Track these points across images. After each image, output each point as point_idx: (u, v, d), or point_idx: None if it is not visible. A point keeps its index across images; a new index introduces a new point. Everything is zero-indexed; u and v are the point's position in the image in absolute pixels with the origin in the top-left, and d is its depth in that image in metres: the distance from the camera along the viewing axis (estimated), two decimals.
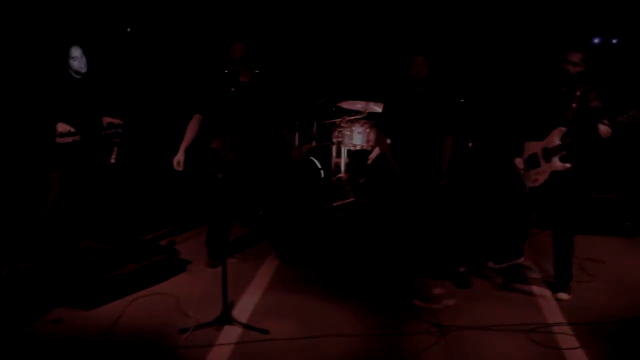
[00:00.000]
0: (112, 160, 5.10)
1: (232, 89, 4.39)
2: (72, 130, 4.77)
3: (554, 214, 4.51)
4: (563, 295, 4.45)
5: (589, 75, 4.25)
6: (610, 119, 3.93)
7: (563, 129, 4.25)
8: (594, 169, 6.04)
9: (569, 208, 4.43)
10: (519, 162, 4.60)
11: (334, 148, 6.93)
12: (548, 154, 4.33)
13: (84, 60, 4.86)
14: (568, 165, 4.24)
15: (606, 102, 4.15)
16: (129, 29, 6.97)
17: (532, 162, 4.47)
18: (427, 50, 4.71)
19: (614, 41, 6.76)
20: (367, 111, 6.71)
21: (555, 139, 4.28)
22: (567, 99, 4.27)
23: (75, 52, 4.83)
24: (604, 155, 6.02)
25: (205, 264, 5.00)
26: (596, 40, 6.69)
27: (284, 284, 4.73)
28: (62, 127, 4.74)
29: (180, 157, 4.74)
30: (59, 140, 4.73)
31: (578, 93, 4.22)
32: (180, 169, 4.74)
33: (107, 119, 5.09)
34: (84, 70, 4.88)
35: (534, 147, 4.47)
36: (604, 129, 3.94)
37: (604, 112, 4.02)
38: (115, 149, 5.11)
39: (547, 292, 4.54)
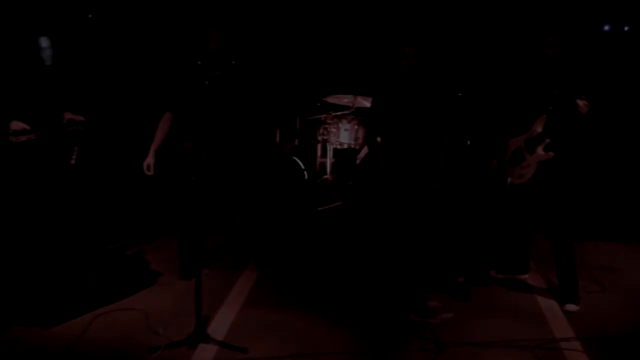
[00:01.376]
0: (73, 161, 5.02)
1: (206, 82, 4.35)
2: (27, 128, 4.70)
3: (549, 218, 4.54)
4: (571, 307, 4.44)
5: (564, 58, 4.40)
6: (587, 94, 4.10)
7: (544, 116, 4.33)
8: (594, 168, 6.09)
9: (563, 211, 4.47)
10: (493, 164, 4.74)
11: (319, 147, 6.89)
12: (531, 144, 4.40)
13: (50, 52, 4.84)
14: (551, 153, 4.29)
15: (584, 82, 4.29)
16: (90, 16, 6.89)
17: (517, 157, 4.53)
18: (419, 39, 4.70)
19: (626, 28, 6.79)
20: (355, 106, 6.67)
21: (537, 128, 4.36)
22: (548, 86, 4.36)
23: (43, 43, 4.80)
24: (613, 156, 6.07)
25: (177, 275, 4.94)
26: (606, 28, 6.73)
27: (264, 297, 4.68)
28: (16, 125, 4.67)
29: (150, 160, 4.72)
30: (12, 139, 4.66)
31: (558, 79, 4.33)
32: (151, 173, 4.72)
33: (68, 115, 5.02)
34: (48, 63, 4.85)
35: (517, 142, 4.55)
36: (581, 103, 4.11)
37: (580, 89, 4.17)
38: (77, 148, 5.04)
39: (554, 304, 4.54)
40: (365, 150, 6.40)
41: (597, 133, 6.25)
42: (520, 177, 4.49)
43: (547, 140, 4.30)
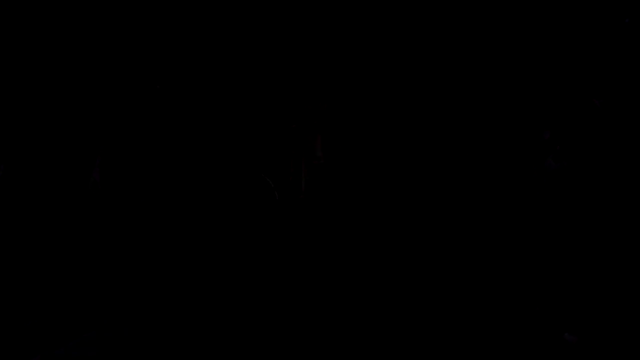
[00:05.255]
0: None
1: (158, 86, 4.29)
2: None
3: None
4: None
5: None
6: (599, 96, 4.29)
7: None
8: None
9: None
10: None
11: (292, 161, 6.76)
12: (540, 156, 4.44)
13: None
14: (565, 163, 4.31)
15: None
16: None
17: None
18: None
19: None
20: None
21: (544, 135, 4.47)
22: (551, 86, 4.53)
23: None
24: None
25: None
26: (627, 21, 6.88)
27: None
28: None
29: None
30: None
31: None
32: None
33: None
34: None
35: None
36: (596, 101, 4.28)
37: (591, 91, 4.34)
38: None
39: None
40: None
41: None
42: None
43: (557, 147, 4.30)
